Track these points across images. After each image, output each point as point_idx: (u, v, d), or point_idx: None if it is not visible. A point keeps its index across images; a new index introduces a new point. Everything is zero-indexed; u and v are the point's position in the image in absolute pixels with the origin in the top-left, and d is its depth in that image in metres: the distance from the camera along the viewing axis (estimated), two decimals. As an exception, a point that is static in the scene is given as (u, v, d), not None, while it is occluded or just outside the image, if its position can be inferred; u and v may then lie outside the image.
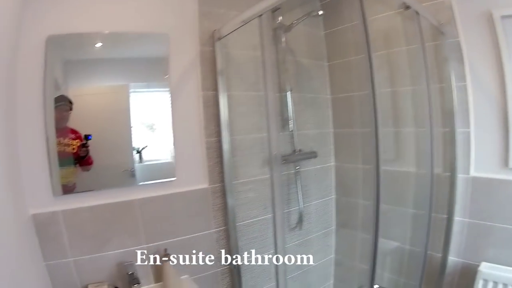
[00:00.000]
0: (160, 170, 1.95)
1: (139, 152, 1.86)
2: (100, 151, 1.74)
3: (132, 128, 1.85)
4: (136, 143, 1.85)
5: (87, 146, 1.67)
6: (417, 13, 1.93)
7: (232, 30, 1.96)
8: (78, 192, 1.68)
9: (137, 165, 1.86)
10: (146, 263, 1.86)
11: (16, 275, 1.23)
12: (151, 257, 1.87)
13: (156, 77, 1.95)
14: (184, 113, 2.01)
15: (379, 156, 1.48)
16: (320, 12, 2.47)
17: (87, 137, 1.67)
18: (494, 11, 2.02)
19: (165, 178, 1.93)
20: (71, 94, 1.65)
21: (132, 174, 1.84)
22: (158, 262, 1.88)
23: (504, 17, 1.99)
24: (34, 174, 1.57)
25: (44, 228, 1.57)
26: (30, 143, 1.56)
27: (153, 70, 1.95)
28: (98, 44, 1.74)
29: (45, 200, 1.59)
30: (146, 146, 1.88)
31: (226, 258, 2.17)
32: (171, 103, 1.94)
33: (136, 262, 1.80)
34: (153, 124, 1.94)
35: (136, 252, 1.83)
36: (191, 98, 2.04)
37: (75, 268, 1.66)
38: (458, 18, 2.16)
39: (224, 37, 2.05)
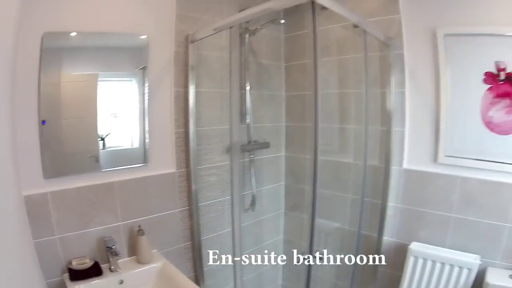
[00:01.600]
0: (125, 157, 2.16)
1: (102, 139, 2.04)
2: (69, 138, 1.93)
3: (97, 116, 2.00)
4: (101, 130, 2.02)
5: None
6: (364, 31, 2.20)
7: (205, 36, 2.24)
8: (65, 176, 1.88)
9: (101, 151, 2.03)
10: (122, 238, 2.12)
11: (7, 252, 1.33)
12: (127, 232, 2.14)
13: (127, 68, 2.13)
14: (158, 106, 2.25)
15: (317, 147, 1.74)
16: (282, 21, 2.80)
17: (42, 122, 1.79)
18: (438, 29, 2.29)
19: (140, 163, 2.18)
20: (49, 81, 1.80)
21: (97, 159, 2.02)
22: (132, 238, 2.14)
23: (446, 35, 2.26)
24: (28, 157, 1.74)
25: (34, 208, 1.74)
26: (26, 128, 1.73)
27: (126, 61, 2.13)
28: (73, 34, 1.87)
29: (36, 182, 1.77)
30: (109, 134, 2.06)
31: (191, 236, 2.48)
32: (148, 97, 2.17)
33: (114, 237, 2.03)
34: (117, 113, 2.10)
35: (114, 228, 2.08)
36: (164, 93, 2.29)
37: (61, 245, 1.87)
38: (405, 32, 2.44)
39: (197, 41, 2.31)
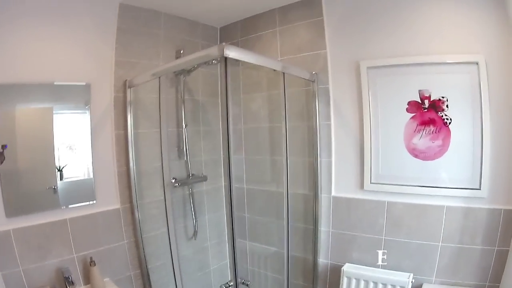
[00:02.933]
0: (80, 189, 2.40)
1: (60, 170, 2.28)
2: (28, 170, 2.17)
3: (54, 148, 2.25)
4: (58, 162, 2.27)
5: (3, 154, 2.04)
6: (283, 73, 2.40)
7: (142, 82, 2.54)
8: (25, 215, 2.13)
9: (59, 182, 2.29)
10: (77, 268, 2.35)
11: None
12: (81, 264, 2.37)
13: (78, 106, 2.41)
14: (101, 147, 2.51)
15: (231, 175, 1.91)
16: (215, 61, 2.98)
17: (3, 147, 2.03)
18: (361, 62, 2.46)
19: (88, 201, 2.43)
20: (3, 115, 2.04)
21: (55, 190, 2.26)
22: (86, 268, 2.37)
23: (369, 67, 2.42)
24: None
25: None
26: None
27: (76, 97, 2.39)
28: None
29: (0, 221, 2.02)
30: (66, 165, 2.31)
31: (139, 264, 2.72)
32: (91, 142, 2.43)
33: (70, 268, 2.28)
34: (73, 145, 2.35)
35: (70, 259, 2.31)
36: (106, 135, 2.55)
37: (25, 276, 2.10)
38: (330, 67, 2.65)
39: (135, 86, 2.59)
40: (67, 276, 2.21)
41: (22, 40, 2.14)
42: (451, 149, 2.22)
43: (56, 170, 2.29)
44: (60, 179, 2.31)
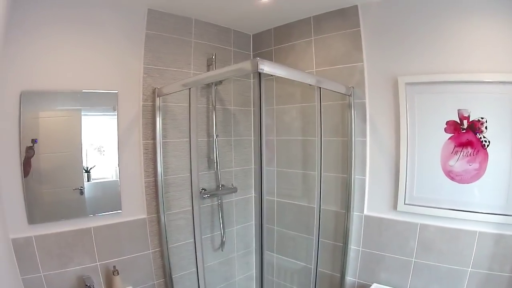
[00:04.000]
0: (106, 195, 2.45)
1: (87, 171, 2.34)
2: (55, 170, 2.23)
3: (82, 149, 2.31)
4: (85, 163, 2.32)
5: (33, 148, 2.12)
6: (318, 87, 2.43)
7: (172, 91, 2.55)
8: (46, 222, 2.18)
9: (86, 184, 2.34)
10: (100, 277, 2.40)
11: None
12: (103, 272, 2.41)
13: (107, 109, 2.46)
14: (128, 158, 2.54)
15: (262, 188, 1.94)
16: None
17: (33, 141, 2.11)
18: (400, 78, 2.39)
19: (113, 211, 2.47)
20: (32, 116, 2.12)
21: (81, 192, 2.32)
22: (108, 277, 2.41)
23: (408, 84, 2.36)
24: (13, 205, 2.06)
25: (21, 249, 2.06)
26: (10, 181, 2.06)
27: (105, 102, 2.45)
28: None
29: (21, 227, 2.08)
30: (95, 166, 2.37)
31: (163, 274, 2.75)
32: (118, 151, 2.48)
33: (92, 276, 2.31)
34: (101, 146, 2.40)
35: (92, 267, 2.36)
36: (134, 146, 2.59)
37: (45, 282, 2.15)
38: (367, 81, 2.60)
39: (164, 95, 2.61)
40: (88, 284, 2.25)
41: (50, 47, 2.22)
42: (488, 173, 2.13)
43: (84, 171, 2.34)
44: (87, 180, 2.36)
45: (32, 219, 2.14)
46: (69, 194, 2.30)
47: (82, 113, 2.35)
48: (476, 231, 2.19)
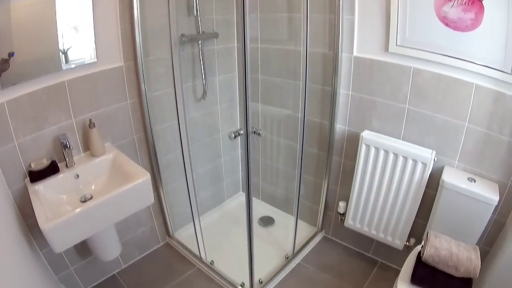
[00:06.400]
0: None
1: (64, 53, 2.14)
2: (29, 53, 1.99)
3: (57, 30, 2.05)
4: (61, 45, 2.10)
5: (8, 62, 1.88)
6: None
7: None
8: (16, 84, 1.97)
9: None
10: (76, 134, 2.34)
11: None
12: (80, 129, 2.35)
13: None
14: (103, 6, 2.29)
15: (246, 36, 1.78)
16: None
17: (10, 54, 1.90)
18: None
19: (89, 60, 2.29)
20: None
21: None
22: (85, 133, 2.36)
23: None
24: None
25: None
26: None
27: None
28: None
29: None
30: (71, 47, 2.16)
31: (143, 128, 2.73)
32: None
33: (68, 134, 2.24)
34: (77, 25, 2.16)
35: (68, 125, 2.27)
36: None
37: (20, 151, 2.07)
38: None
39: None
40: (62, 141, 2.18)
41: None
42: (484, 26, 2.00)
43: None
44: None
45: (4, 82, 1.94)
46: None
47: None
48: (473, 83, 2.14)
